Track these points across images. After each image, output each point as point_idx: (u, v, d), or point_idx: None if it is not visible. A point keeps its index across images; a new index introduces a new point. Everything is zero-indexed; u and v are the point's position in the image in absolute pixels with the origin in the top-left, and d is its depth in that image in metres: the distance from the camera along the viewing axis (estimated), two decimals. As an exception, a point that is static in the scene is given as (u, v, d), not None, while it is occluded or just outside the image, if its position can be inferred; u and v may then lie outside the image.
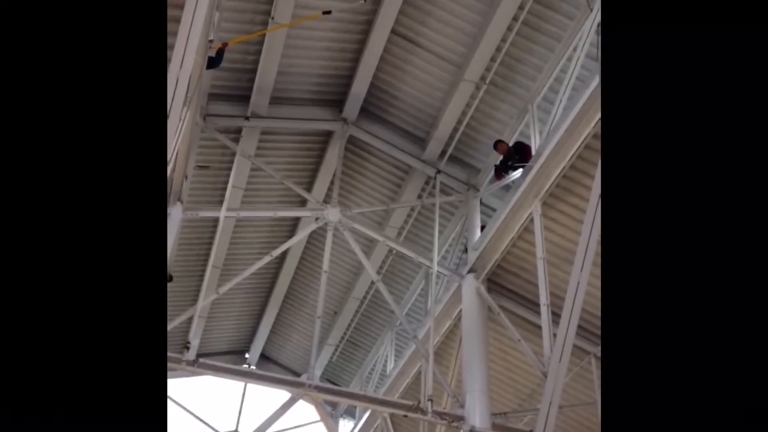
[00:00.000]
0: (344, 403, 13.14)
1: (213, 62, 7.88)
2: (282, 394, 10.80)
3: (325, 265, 9.10)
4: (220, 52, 7.93)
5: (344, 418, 14.08)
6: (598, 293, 8.06)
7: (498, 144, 8.87)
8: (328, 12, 8.35)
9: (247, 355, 14.19)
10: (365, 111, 9.98)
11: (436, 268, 9.06)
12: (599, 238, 6.50)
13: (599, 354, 8.47)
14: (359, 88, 9.57)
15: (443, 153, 9.88)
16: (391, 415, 9.15)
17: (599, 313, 8.29)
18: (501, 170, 8.85)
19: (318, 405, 8.75)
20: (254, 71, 9.31)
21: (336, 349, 13.20)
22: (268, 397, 14.24)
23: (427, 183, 10.29)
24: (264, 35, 8.71)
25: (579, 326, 6.91)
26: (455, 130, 9.63)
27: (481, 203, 9.86)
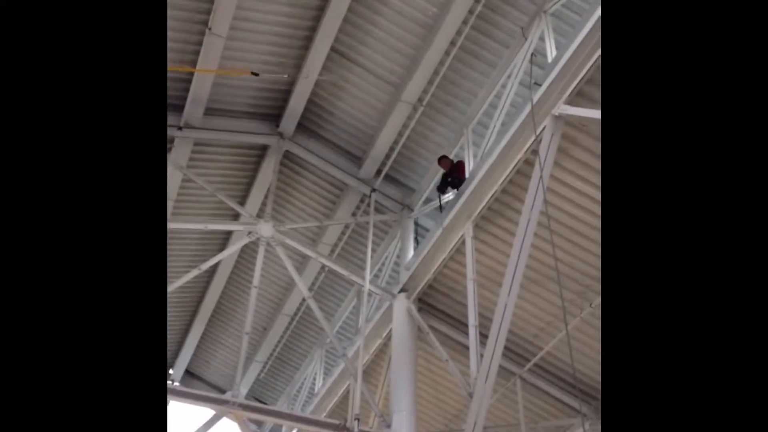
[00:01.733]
0: (269, 421, 12.91)
1: None
2: (206, 412, 10.54)
3: (256, 281, 8.96)
4: None
5: (270, 436, 13.83)
6: (525, 315, 8.24)
7: (441, 159, 8.96)
8: (256, 74, 8.77)
9: (171, 371, 13.78)
10: (302, 126, 9.95)
11: (368, 286, 9.05)
12: (527, 262, 6.63)
13: (524, 375, 8.61)
14: (297, 103, 9.53)
15: (379, 172, 9.92)
16: (318, 435, 9.04)
17: (525, 335, 8.45)
18: (441, 188, 8.94)
19: (242, 423, 8.53)
20: (189, 81, 9.15)
21: (264, 366, 12.98)
22: (191, 414, 13.88)
23: (361, 201, 10.31)
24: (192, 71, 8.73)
25: (505, 347, 7.02)
26: (391, 149, 9.70)
27: (415, 223, 9.94)
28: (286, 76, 9.01)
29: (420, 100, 9.07)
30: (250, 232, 9.28)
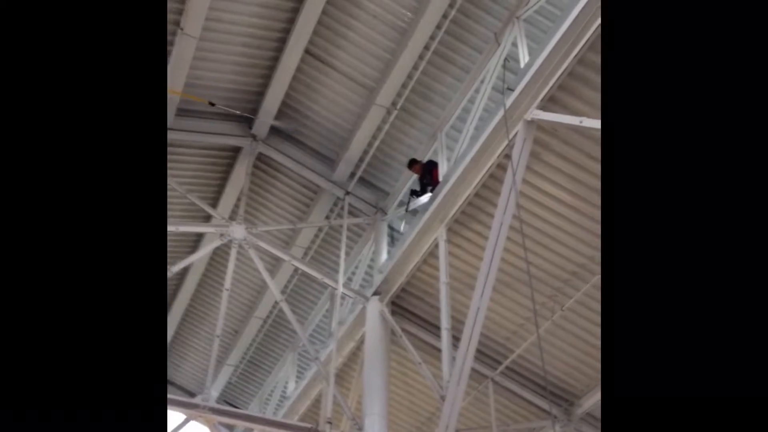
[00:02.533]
0: (240, 425, 12.80)
1: None
2: (176, 416, 10.42)
3: (227, 283, 8.89)
4: None
5: (241, 441, 13.71)
6: (498, 318, 8.29)
7: (413, 164, 8.99)
8: (213, 104, 9.13)
9: (141, 375, 13.60)
10: (275, 129, 9.90)
11: (341, 289, 9.03)
12: (500, 265, 6.68)
13: (496, 378, 8.66)
14: (270, 105, 9.49)
15: (352, 175, 9.92)
16: (289, 439, 8.99)
17: (497, 338, 8.50)
18: (416, 193, 8.98)
19: (213, 427, 8.45)
20: (162, 82, 9.05)
21: (236, 370, 12.87)
22: (161, 418, 13.69)
23: (335, 204, 10.29)
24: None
25: (478, 350, 7.07)
26: (365, 152, 9.70)
27: (389, 226, 9.95)
28: (238, 113, 9.40)
29: (394, 103, 9.09)
30: (222, 234, 9.20)
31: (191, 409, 7.77)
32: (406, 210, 9.07)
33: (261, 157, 10.05)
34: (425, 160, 9.20)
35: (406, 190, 9.53)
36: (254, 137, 9.79)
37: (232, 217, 9.78)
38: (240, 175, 9.94)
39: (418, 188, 9.04)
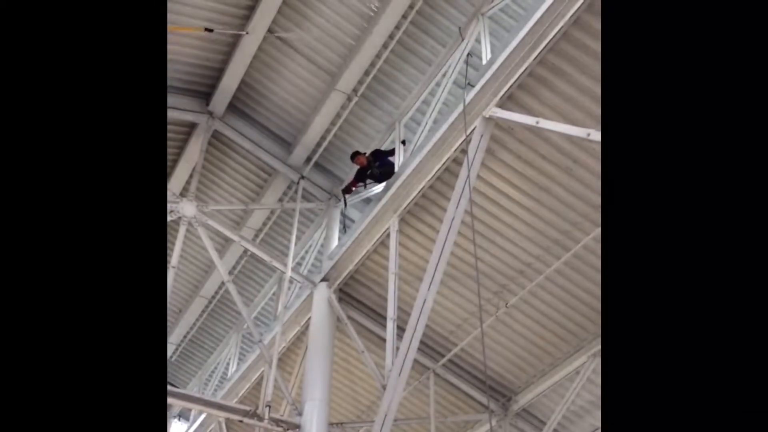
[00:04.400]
0: (178, 405, 12.65)
1: None
2: (113, 393, 10.23)
3: (174, 260, 8.74)
4: None
5: (178, 419, 13.55)
6: (443, 311, 8.37)
7: (356, 156, 8.97)
8: (210, 30, 8.39)
9: (79, 349, 13.33)
10: (233, 107, 9.76)
11: (289, 273, 8.99)
12: (449, 259, 6.73)
13: (438, 370, 8.75)
14: (229, 82, 9.35)
15: (308, 159, 9.86)
16: (227, 420, 8.93)
17: (441, 331, 8.59)
18: (359, 179, 8.99)
19: (150, 406, 8.32)
20: (118, 50, 8.83)
21: (177, 349, 12.71)
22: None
23: (289, 187, 10.21)
24: None
25: (421, 342, 7.12)
26: (323, 138, 9.65)
27: (342, 213, 9.92)
28: (245, 33, 8.66)
29: (355, 90, 9.06)
30: (171, 211, 9.04)
31: (128, 385, 7.64)
32: (345, 202, 9.19)
33: (216, 135, 9.90)
34: (384, 148, 9.20)
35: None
36: (211, 114, 9.64)
37: (183, 194, 9.62)
38: (194, 152, 9.77)
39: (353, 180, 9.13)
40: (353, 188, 9.22)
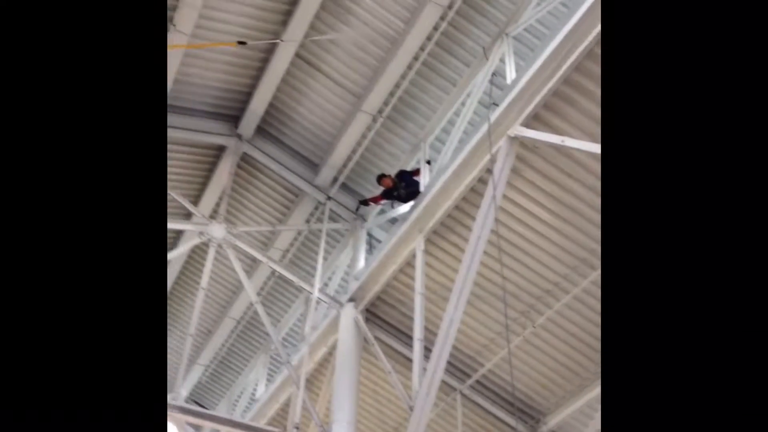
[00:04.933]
0: (208, 426, 12.70)
1: None
2: (143, 413, 10.31)
3: (204, 282, 8.85)
4: None
5: (208, 441, 13.59)
6: (470, 332, 8.32)
7: (381, 179, 9.02)
8: (243, 42, 8.39)
9: (110, 370, 13.47)
10: (261, 130, 9.90)
11: (316, 294, 9.02)
12: (475, 279, 6.71)
13: (465, 391, 8.68)
14: (257, 106, 9.50)
15: (335, 180, 9.93)
16: (256, 441, 8.93)
17: (468, 351, 8.53)
18: (384, 198, 9.05)
19: (181, 427, 8.40)
20: (149, 76, 9.03)
21: (206, 370, 12.79)
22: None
23: (316, 208, 10.29)
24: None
25: (448, 362, 7.07)
26: (349, 158, 9.73)
27: (368, 234, 9.96)
28: (280, 41, 8.68)
29: (380, 111, 9.14)
30: (201, 233, 9.17)
31: (158, 406, 7.72)
32: (362, 203, 9.22)
33: (245, 157, 10.04)
34: (409, 168, 9.25)
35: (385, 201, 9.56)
36: (239, 137, 9.78)
37: (213, 216, 9.75)
38: (223, 174, 9.92)
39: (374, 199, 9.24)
40: (372, 203, 9.27)
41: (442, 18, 8.21)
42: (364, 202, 9.38)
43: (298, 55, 9.02)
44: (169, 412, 7.70)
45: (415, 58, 8.58)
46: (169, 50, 8.52)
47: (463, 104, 8.33)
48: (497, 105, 6.87)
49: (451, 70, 8.76)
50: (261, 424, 9.93)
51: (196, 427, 13.16)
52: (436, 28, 8.31)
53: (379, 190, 9.45)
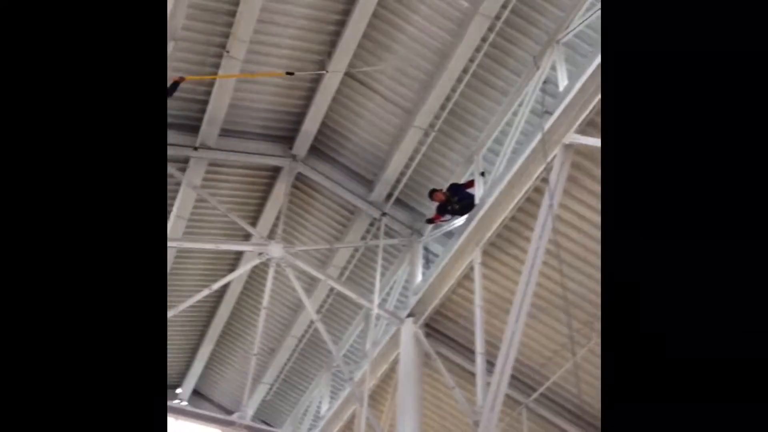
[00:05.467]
0: (275, 444, 12.85)
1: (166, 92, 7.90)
2: (212, 432, 10.52)
3: (265, 302, 8.99)
4: (175, 85, 8.02)
5: (275, 459, 13.74)
6: (533, 344, 8.18)
7: (433, 194, 8.99)
8: (291, 73, 8.63)
9: (179, 390, 13.77)
10: (315, 149, 10.03)
11: (375, 310, 9.04)
12: (535, 290, 6.61)
13: (530, 404, 8.53)
14: (310, 126, 9.63)
15: (389, 196, 9.97)
16: (322, 459, 8.99)
17: (532, 364, 8.38)
18: (440, 214, 9.01)
19: (248, 445, 8.54)
20: (206, 102, 9.28)
21: (271, 388, 12.94)
22: (197, 434, 13.83)
23: (371, 225, 10.34)
24: (215, 78, 8.81)
25: (512, 376, 6.97)
26: (402, 174, 9.75)
27: (425, 248, 9.94)
28: (326, 72, 8.93)
29: (432, 125, 9.14)
30: (260, 253, 9.33)
31: (228, 426, 7.86)
32: (428, 222, 9.19)
33: (300, 177, 10.18)
34: (462, 181, 9.20)
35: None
36: (294, 157, 9.93)
37: (271, 236, 9.91)
38: (279, 195, 10.08)
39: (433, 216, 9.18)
40: (435, 221, 9.25)
41: (491, 29, 8.17)
42: (430, 221, 9.36)
43: (348, 74, 9.12)
44: (235, 431, 7.82)
45: (465, 71, 8.56)
46: (219, 80, 8.77)
47: (515, 114, 8.26)
48: (550, 113, 6.79)
49: (501, 81, 8.70)
50: (326, 441, 9.98)
51: (263, 445, 13.32)
52: (484, 40, 8.29)
53: (433, 204, 9.43)
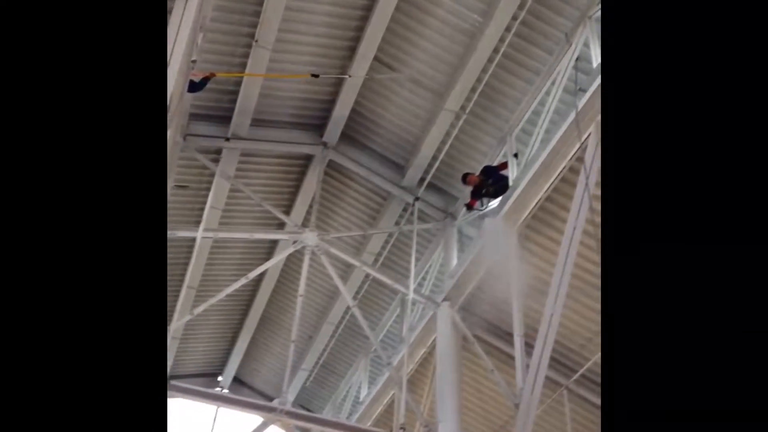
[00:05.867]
0: (316, 429, 12.96)
1: (194, 87, 8.01)
2: (254, 419, 10.67)
3: (301, 289, 9.05)
4: (205, 80, 8.15)
5: (316, 444, 13.90)
6: (572, 325, 8.11)
7: (467, 178, 8.90)
8: (316, 75, 8.77)
9: (219, 378, 14.00)
10: (346, 136, 10.02)
11: (411, 295, 9.05)
12: (573, 270, 6.54)
13: (571, 386, 8.47)
14: (340, 112, 9.62)
15: (422, 180, 9.92)
16: (363, 443, 9.07)
17: (572, 345, 8.31)
18: (475, 198, 8.93)
19: (290, 431, 8.64)
20: (236, 92, 9.33)
21: (310, 374, 13.07)
22: (240, 421, 14.05)
23: (405, 210, 10.31)
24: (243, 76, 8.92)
25: (552, 358, 6.93)
26: (434, 158, 9.69)
27: (459, 231, 9.89)
28: (348, 76, 9.04)
29: (463, 108, 9.05)
30: (295, 241, 9.39)
31: (269, 412, 7.95)
32: (468, 208, 9.11)
33: (332, 164, 10.19)
34: (495, 163, 9.11)
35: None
36: (325, 144, 9.94)
37: (305, 224, 9.95)
38: (312, 183, 10.11)
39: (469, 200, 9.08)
40: (473, 207, 9.16)
41: (521, 7, 8.03)
42: (469, 208, 9.27)
43: (376, 58, 9.07)
44: (278, 417, 7.91)
45: (495, 51, 8.43)
46: (246, 78, 8.83)
47: (548, 93, 8.12)
48: (584, 91, 6.67)
49: (533, 60, 8.56)
50: (366, 425, 10.06)
51: (305, 431, 13.48)
52: (515, 18, 8.15)
53: (466, 188, 9.36)
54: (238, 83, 9.20)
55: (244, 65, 8.91)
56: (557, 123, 7.26)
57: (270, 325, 12.94)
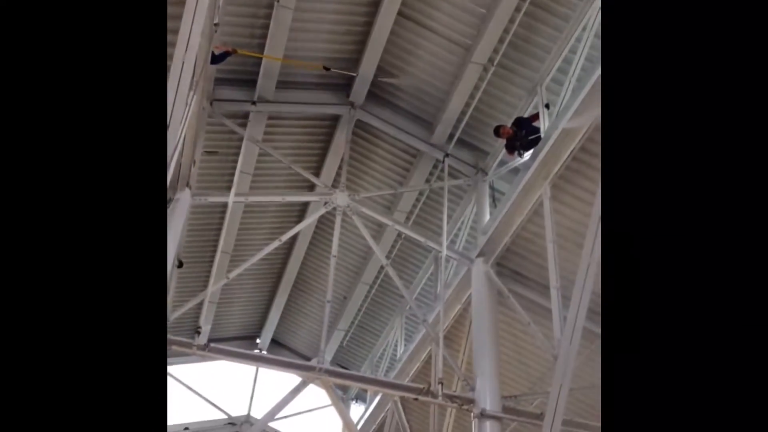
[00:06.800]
0: (355, 387, 13.20)
1: (215, 60, 8.05)
2: (293, 379, 10.87)
3: (334, 250, 9.09)
4: (225, 54, 8.21)
5: (355, 401, 14.14)
6: (609, 276, 8.02)
7: (500, 130, 8.73)
8: (327, 68, 9.01)
9: (258, 340, 14.26)
10: (372, 95, 9.91)
11: (445, 252, 9.03)
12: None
13: (610, 337, 8.42)
14: (366, 71, 9.50)
15: (451, 136, 9.81)
16: (402, 399, 9.18)
17: (610, 296, 8.24)
18: (510, 150, 8.78)
19: (329, 389, 8.76)
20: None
21: (346, 334, 13.23)
22: (279, 381, 14.35)
23: (435, 167, 10.24)
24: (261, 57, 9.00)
25: (589, 309, 6.87)
26: (463, 113, 9.55)
27: (491, 186, 9.80)
28: (355, 75, 9.24)
29: (491, 60, 8.86)
30: (326, 203, 9.39)
31: (308, 371, 8.07)
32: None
33: (359, 124, 10.12)
34: (526, 115, 8.95)
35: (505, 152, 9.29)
36: (352, 104, 9.86)
37: (335, 185, 9.95)
38: (340, 143, 10.06)
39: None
40: (509, 160, 9.02)
41: (547, -48, 7.78)
42: (504, 162, 9.14)
43: (401, 13, 8.89)
44: (316, 376, 8.02)
45: (523, 0, 8.21)
46: (271, 32, 8.75)
47: (578, 40, 7.90)
48: (617, 35, 6.46)
49: (562, 6, 8.31)
50: (404, 382, 10.16)
51: (343, 389, 13.71)
52: (541, -36, 7.91)
53: (497, 141, 9.23)
54: (262, 46, 9.12)
55: (266, 27, 8.81)
56: (588, 71, 7.08)
57: (305, 287, 13.08)
